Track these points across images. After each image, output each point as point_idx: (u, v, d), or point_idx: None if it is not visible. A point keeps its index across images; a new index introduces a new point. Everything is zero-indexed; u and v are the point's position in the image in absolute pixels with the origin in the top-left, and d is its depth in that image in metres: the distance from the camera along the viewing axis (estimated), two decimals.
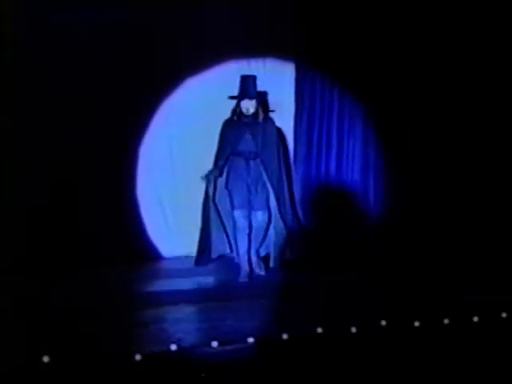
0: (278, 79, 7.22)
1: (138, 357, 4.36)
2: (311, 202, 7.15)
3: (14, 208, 6.56)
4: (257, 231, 6.52)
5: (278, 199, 6.49)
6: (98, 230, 6.77)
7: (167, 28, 6.93)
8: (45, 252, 6.56)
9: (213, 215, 6.58)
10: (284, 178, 6.66)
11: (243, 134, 6.40)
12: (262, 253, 6.72)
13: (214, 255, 6.73)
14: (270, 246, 6.70)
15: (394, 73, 7.32)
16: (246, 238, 6.47)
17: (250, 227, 6.46)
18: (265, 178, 6.41)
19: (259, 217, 6.47)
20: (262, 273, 6.54)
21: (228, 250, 6.82)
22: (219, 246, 6.75)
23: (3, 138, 6.56)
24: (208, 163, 6.49)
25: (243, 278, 6.42)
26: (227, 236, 6.74)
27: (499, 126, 7.43)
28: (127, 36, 6.80)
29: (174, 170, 7.11)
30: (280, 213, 6.54)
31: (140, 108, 6.91)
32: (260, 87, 6.52)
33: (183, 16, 6.98)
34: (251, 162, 6.38)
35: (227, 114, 6.46)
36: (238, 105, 6.40)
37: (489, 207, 7.32)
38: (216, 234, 6.67)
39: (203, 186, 6.47)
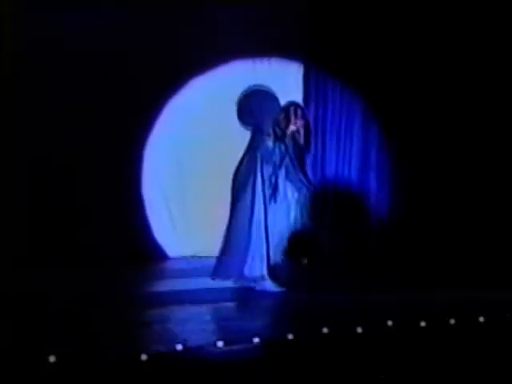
0: (283, 79, 7.13)
1: (143, 357, 4.32)
2: (320, 202, 7.08)
3: (14, 207, 6.55)
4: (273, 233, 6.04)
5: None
6: (105, 230, 6.79)
7: (171, 28, 6.93)
8: (48, 252, 6.58)
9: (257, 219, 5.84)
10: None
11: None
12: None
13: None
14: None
15: (402, 72, 7.31)
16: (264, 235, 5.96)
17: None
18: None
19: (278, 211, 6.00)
20: (273, 289, 5.99)
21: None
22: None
23: (3, 138, 6.55)
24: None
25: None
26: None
27: (501, 120, 7.42)
28: (129, 36, 6.80)
29: (180, 169, 7.10)
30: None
31: (145, 108, 6.94)
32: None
33: (187, 16, 6.98)
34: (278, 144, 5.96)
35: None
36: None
37: (493, 206, 7.32)
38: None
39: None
